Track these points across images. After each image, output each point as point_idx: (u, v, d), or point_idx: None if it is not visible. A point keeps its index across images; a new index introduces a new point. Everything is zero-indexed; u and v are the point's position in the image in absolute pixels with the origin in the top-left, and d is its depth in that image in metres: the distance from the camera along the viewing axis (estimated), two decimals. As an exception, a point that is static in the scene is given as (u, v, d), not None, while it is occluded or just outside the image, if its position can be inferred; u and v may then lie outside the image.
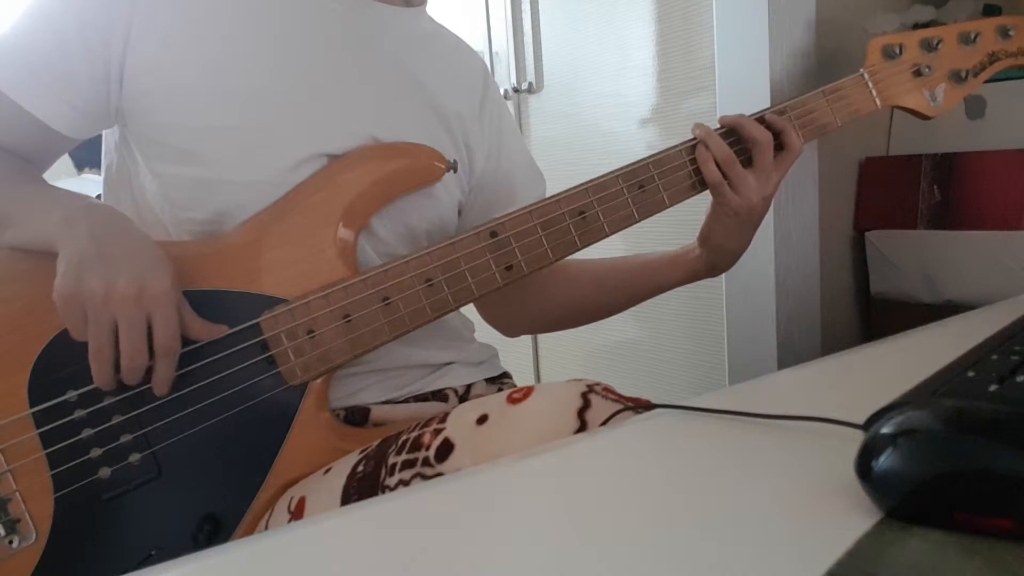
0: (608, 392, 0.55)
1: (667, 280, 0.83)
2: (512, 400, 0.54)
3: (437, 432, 0.56)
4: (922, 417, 0.34)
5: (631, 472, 0.42)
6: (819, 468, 0.39)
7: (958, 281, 1.13)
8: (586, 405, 0.53)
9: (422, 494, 0.43)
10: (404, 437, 0.59)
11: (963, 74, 0.81)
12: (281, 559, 0.36)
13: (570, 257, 0.73)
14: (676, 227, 1.20)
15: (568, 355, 1.67)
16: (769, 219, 1.18)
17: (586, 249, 0.72)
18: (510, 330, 0.94)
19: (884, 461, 0.33)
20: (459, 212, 0.83)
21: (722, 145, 0.72)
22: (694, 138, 0.74)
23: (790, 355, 1.22)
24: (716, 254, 0.79)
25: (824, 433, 0.43)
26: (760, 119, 0.74)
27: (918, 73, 0.80)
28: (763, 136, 0.73)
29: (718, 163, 0.73)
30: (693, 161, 0.74)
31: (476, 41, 1.65)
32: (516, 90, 1.60)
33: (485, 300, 0.85)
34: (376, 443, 0.63)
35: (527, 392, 0.55)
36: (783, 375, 0.71)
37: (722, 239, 0.77)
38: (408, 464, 0.56)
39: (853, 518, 0.33)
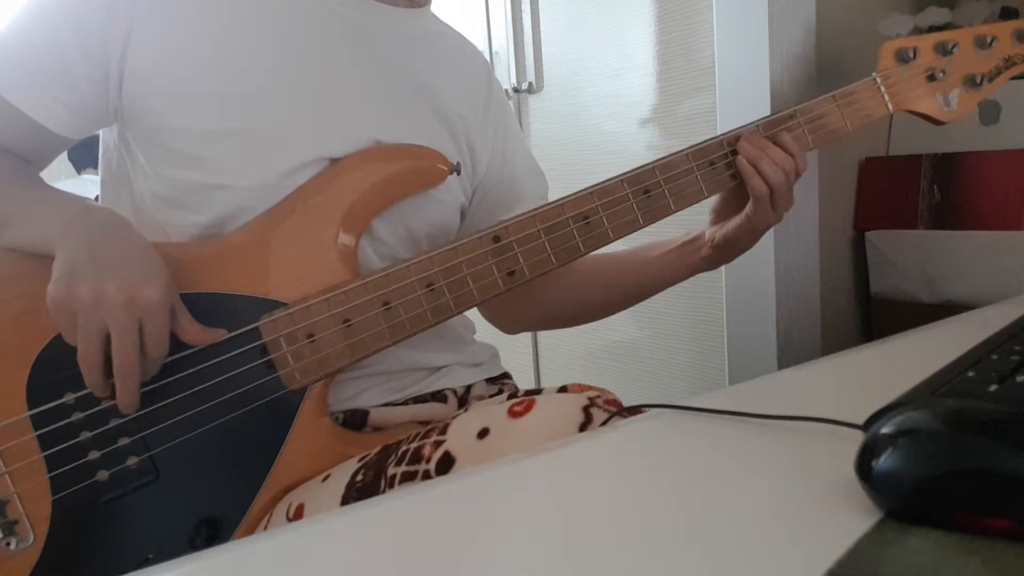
0: (610, 405, 0.55)
1: (674, 277, 0.83)
2: (513, 414, 0.54)
3: (438, 444, 0.56)
4: (922, 417, 0.34)
5: (631, 472, 0.42)
6: (819, 468, 0.39)
7: (958, 281, 1.13)
8: (588, 420, 0.53)
9: (422, 494, 0.43)
10: (404, 447, 0.59)
11: (978, 79, 0.80)
12: (281, 559, 0.36)
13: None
14: (677, 229, 1.20)
15: (568, 355, 1.66)
16: (769, 219, 1.17)
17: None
18: (511, 328, 0.94)
19: (884, 461, 0.33)
20: (462, 215, 0.82)
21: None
22: (697, 144, 0.74)
23: (790, 355, 1.22)
24: (727, 254, 0.79)
25: (824, 433, 0.43)
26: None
27: (932, 77, 0.79)
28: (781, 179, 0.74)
29: (772, 186, 0.73)
30: (700, 167, 0.73)
31: (476, 41, 1.65)
32: (516, 90, 1.60)
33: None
34: (376, 451, 0.62)
35: (528, 405, 0.54)
36: (783, 375, 0.70)
37: (745, 244, 0.78)
38: (408, 476, 0.56)
39: (853, 518, 0.33)
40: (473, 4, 1.68)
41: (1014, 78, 1.07)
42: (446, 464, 0.54)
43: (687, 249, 0.81)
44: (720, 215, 0.79)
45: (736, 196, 0.77)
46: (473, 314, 0.87)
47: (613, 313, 0.89)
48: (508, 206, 0.82)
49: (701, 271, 0.82)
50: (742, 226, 0.76)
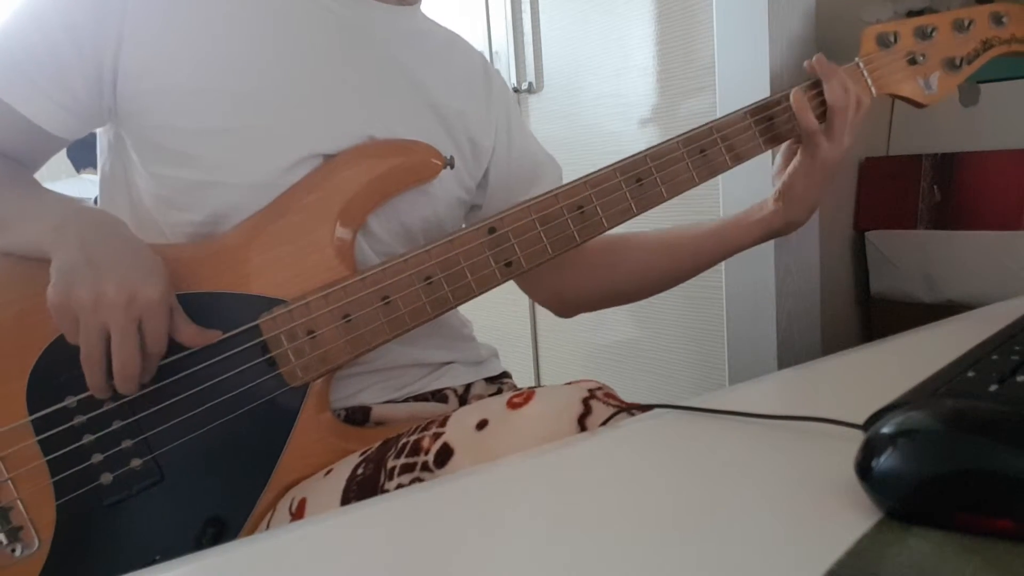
0: (610, 398, 0.54)
1: (742, 242, 0.82)
2: (512, 405, 0.54)
3: (436, 436, 0.56)
4: (922, 417, 0.34)
5: (631, 472, 0.42)
6: (819, 468, 0.39)
7: (958, 281, 1.13)
8: (587, 411, 0.52)
9: (422, 494, 0.43)
10: (404, 440, 0.59)
11: (957, 61, 0.81)
12: (281, 559, 0.36)
13: (628, 228, 0.73)
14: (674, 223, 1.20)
15: (568, 355, 1.66)
16: (769, 219, 1.17)
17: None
18: (569, 306, 0.91)
19: (884, 461, 0.33)
20: (473, 207, 0.83)
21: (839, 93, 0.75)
22: (687, 132, 0.74)
23: (790, 355, 1.22)
24: (796, 207, 0.79)
25: (824, 433, 0.43)
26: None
27: (912, 61, 0.81)
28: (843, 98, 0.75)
29: (828, 110, 0.74)
30: (691, 154, 0.74)
31: (476, 41, 1.65)
32: (516, 90, 1.61)
33: (542, 276, 0.85)
34: (376, 445, 0.62)
35: (528, 397, 0.54)
36: (783, 375, 0.71)
37: (805, 191, 0.78)
38: (407, 468, 0.56)
39: (853, 518, 0.33)
40: (473, 4, 1.68)
41: (1013, 77, 1.07)
42: (444, 455, 0.54)
43: (751, 212, 0.81)
44: (781, 172, 0.80)
45: (794, 153, 0.78)
46: (474, 314, 0.87)
47: (675, 284, 0.87)
48: (525, 190, 0.82)
49: (774, 228, 0.81)
50: (799, 166, 0.77)
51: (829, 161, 0.76)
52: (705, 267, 0.85)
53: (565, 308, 0.91)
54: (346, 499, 0.59)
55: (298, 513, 0.61)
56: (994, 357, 0.49)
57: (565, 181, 0.72)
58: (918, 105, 0.82)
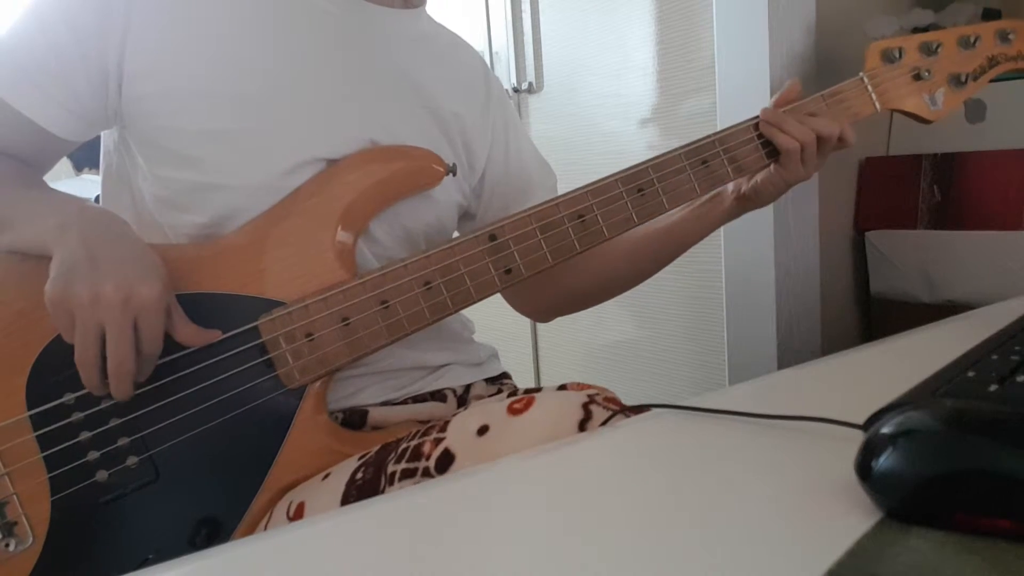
0: (610, 403, 0.54)
1: (695, 237, 0.84)
2: (513, 411, 0.54)
3: (437, 442, 0.56)
4: (922, 417, 0.33)
5: (631, 472, 0.42)
6: (819, 468, 0.38)
7: (958, 281, 1.13)
8: (587, 416, 0.53)
9: (421, 494, 0.43)
10: (404, 445, 0.59)
11: (963, 78, 0.81)
12: (280, 559, 0.36)
13: None
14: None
15: (568, 355, 1.66)
16: (769, 219, 1.18)
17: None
18: (543, 315, 0.94)
19: (884, 461, 0.33)
20: (465, 214, 0.83)
21: (806, 130, 0.75)
22: (691, 143, 0.74)
23: (790, 355, 1.22)
24: (751, 206, 0.81)
25: (824, 433, 0.43)
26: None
27: (917, 77, 0.80)
28: (831, 131, 0.76)
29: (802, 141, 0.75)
30: (693, 165, 0.73)
31: (476, 41, 1.65)
32: (516, 90, 1.61)
33: (523, 287, 0.86)
34: (375, 449, 0.62)
35: (528, 402, 0.54)
36: (783, 375, 0.70)
37: (767, 199, 0.80)
38: (408, 473, 0.56)
39: (853, 518, 0.33)
40: (473, 4, 1.68)
41: (1013, 78, 1.07)
42: (446, 461, 0.54)
43: (708, 206, 0.82)
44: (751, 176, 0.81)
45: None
46: (474, 313, 0.87)
47: (639, 283, 0.89)
48: (519, 199, 0.82)
49: (723, 224, 0.83)
50: (771, 179, 0.78)
51: (801, 178, 0.77)
52: (669, 262, 0.87)
53: (541, 314, 0.95)
54: (346, 503, 0.59)
55: (296, 517, 0.61)
56: (994, 357, 0.49)
57: (564, 180, 0.72)
58: (923, 121, 0.82)
